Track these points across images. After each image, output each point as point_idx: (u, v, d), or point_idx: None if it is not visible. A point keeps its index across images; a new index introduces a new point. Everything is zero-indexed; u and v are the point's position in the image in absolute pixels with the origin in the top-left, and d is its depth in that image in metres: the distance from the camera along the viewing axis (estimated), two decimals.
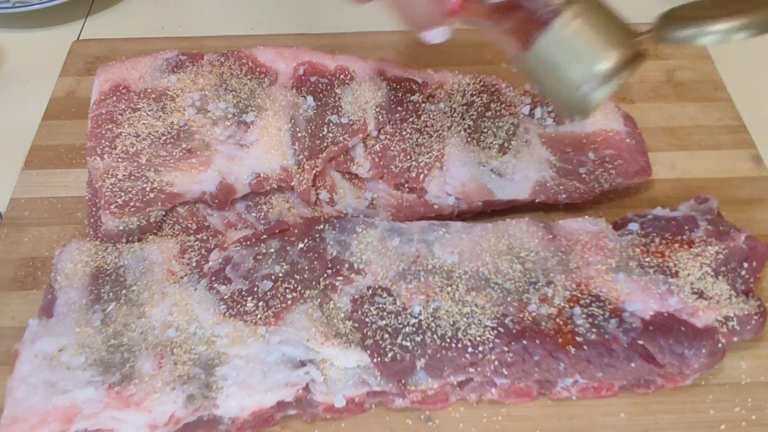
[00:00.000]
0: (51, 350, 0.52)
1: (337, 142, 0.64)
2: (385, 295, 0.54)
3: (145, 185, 0.60)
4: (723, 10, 0.44)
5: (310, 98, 0.66)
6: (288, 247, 0.57)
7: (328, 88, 0.68)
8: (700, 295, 0.54)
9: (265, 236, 0.59)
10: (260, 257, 0.57)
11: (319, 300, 0.55)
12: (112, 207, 0.59)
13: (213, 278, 0.56)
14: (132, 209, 0.60)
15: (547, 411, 0.55)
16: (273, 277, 0.56)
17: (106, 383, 0.50)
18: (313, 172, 0.63)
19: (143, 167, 0.61)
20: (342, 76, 0.68)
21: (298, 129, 0.64)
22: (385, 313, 0.53)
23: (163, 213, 0.61)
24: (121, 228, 0.60)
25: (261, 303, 0.54)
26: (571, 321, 0.53)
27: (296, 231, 0.59)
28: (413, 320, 0.53)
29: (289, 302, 0.54)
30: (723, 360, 0.53)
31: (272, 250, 0.57)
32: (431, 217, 0.64)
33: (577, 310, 0.53)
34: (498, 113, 0.67)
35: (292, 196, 0.65)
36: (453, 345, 0.52)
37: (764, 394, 0.55)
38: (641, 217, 0.61)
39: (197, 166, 0.62)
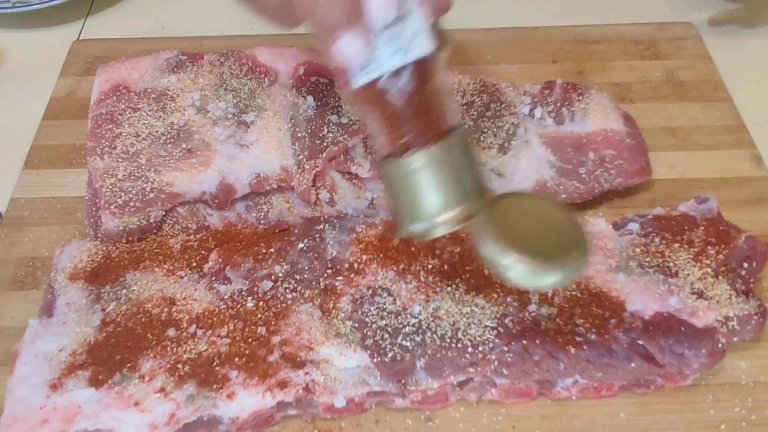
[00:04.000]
0: (51, 350, 0.52)
1: (337, 142, 0.64)
2: (385, 295, 0.54)
3: (145, 185, 0.60)
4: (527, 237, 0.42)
5: (310, 98, 0.66)
6: (288, 247, 0.57)
7: (328, 88, 0.67)
8: (700, 295, 0.54)
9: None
10: (260, 257, 0.57)
11: (319, 300, 0.55)
12: (112, 207, 0.59)
13: (213, 278, 0.56)
14: (132, 209, 0.60)
15: (547, 411, 0.55)
16: (273, 277, 0.56)
17: (106, 383, 0.50)
18: (313, 172, 0.63)
19: (143, 167, 0.61)
20: None
21: (298, 129, 0.64)
22: (385, 313, 0.53)
23: (163, 213, 0.61)
24: (121, 228, 0.60)
25: (261, 303, 0.54)
26: (571, 321, 0.53)
27: (296, 231, 0.59)
28: (413, 320, 0.53)
29: (289, 302, 0.54)
30: (723, 360, 0.53)
31: (272, 250, 0.57)
32: None
33: (577, 309, 0.53)
34: (498, 113, 0.67)
35: (292, 196, 0.65)
36: (453, 345, 0.52)
37: (764, 394, 0.55)
38: (641, 217, 0.61)
39: (197, 166, 0.62)
